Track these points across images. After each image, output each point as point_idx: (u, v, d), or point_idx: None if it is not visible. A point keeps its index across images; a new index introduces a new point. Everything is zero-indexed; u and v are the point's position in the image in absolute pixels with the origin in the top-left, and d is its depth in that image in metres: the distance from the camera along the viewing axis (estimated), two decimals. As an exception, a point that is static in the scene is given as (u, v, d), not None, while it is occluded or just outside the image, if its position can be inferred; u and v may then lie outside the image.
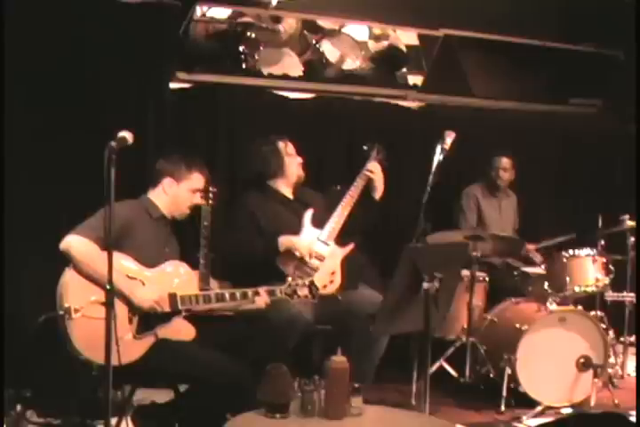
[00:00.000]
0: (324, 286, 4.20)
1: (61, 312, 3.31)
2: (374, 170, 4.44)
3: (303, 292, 3.72)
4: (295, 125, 5.31)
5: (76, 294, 3.34)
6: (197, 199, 3.79)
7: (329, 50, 5.65)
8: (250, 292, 3.65)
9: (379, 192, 4.47)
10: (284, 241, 4.19)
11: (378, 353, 4.25)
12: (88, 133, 4.57)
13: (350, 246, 4.33)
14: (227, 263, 4.11)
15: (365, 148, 4.62)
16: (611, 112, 6.23)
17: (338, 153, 5.54)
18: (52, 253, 3.44)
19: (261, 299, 3.66)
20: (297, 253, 4.17)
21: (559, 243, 5.35)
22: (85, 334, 3.30)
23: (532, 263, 5.38)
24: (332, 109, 5.59)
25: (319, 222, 4.34)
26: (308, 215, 4.34)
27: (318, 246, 4.25)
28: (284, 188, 4.46)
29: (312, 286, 3.74)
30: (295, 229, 4.27)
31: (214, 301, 3.58)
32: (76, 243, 3.40)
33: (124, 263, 3.45)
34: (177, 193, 3.75)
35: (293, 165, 4.44)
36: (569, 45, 5.85)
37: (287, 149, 4.43)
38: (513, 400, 4.66)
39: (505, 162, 5.64)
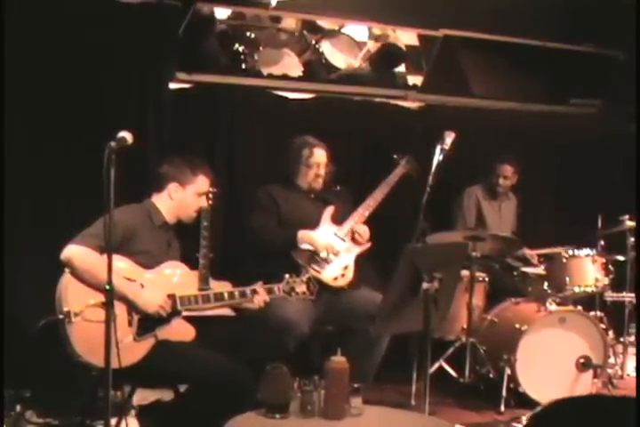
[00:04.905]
0: (335, 279, 4.32)
1: (61, 316, 3.29)
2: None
3: (301, 288, 3.72)
4: (295, 126, 5.30)
5: (75, 297, 3.32)
6: (203, 202, 3.76)
7: (328, 50, 5.65)
8: (248, 290, 3.65)
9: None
10: (303, 236, 4.28)
11: (379, 353, 4.29)
12: (88, 134, 4.57)
13: (367, 245, 4.45)
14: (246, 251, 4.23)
15: (395, 157, 4.71)
16: (611, 112, 6.23)
17: (337, 153, 5.54)
18: (53, 252, 3.43)
19: (260, 297, 3.65)
20: (313, 248, 4.27)
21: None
22: (85, 338, 3.28)
23: (531, 264, 5.37)
24: (332, 110, 5.57)
25: (337, 219, 4.46)
26: (328, 211, 4.45)
27: (335, 242, 4.34)
28: (304, 186, 4.53)
29: (310, 282, 3.75)
30: (314, 223, 4.37)
31: (213, 300, 3.57)
32: (76, 253, 3.36)
33: (121, 265, 3.40)
34: (183, 198, 3.69)
35: (310, 175, 4.48)
36: (569, 46, 5.84)
37: (310, 159, 4.45)
38: (513, 400, 4.66)
39: (507, 170, 5.55)
